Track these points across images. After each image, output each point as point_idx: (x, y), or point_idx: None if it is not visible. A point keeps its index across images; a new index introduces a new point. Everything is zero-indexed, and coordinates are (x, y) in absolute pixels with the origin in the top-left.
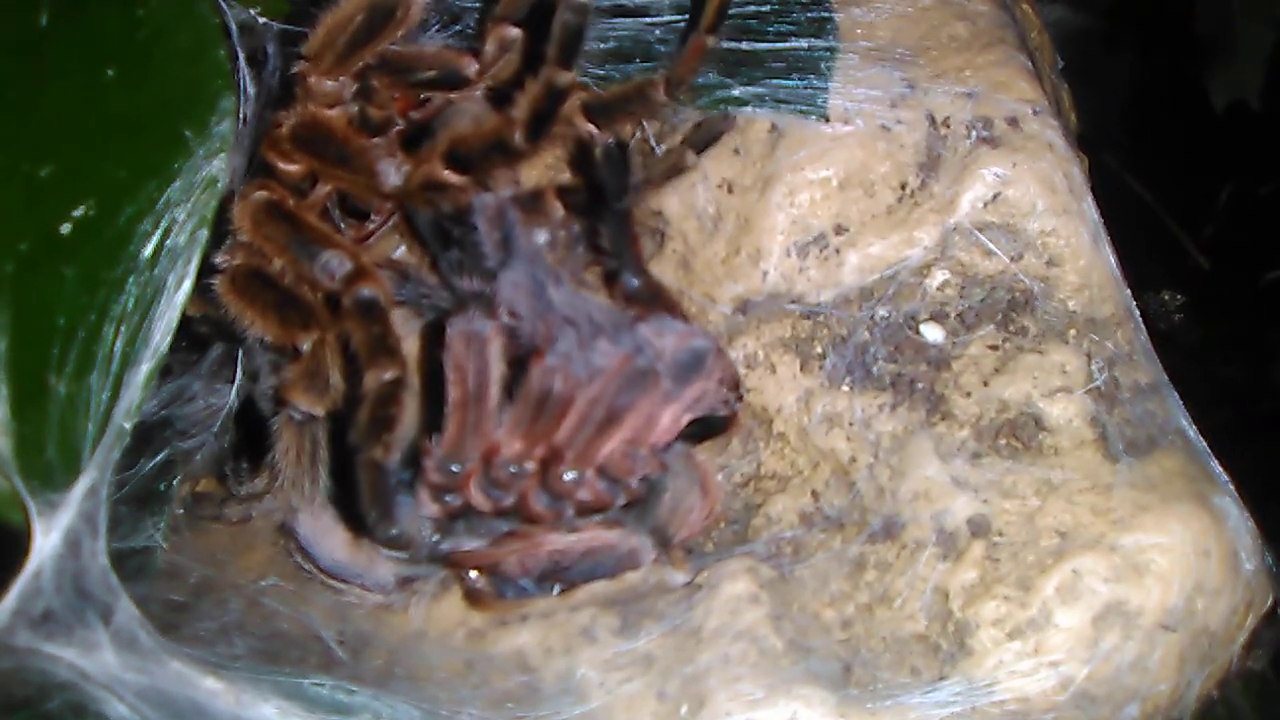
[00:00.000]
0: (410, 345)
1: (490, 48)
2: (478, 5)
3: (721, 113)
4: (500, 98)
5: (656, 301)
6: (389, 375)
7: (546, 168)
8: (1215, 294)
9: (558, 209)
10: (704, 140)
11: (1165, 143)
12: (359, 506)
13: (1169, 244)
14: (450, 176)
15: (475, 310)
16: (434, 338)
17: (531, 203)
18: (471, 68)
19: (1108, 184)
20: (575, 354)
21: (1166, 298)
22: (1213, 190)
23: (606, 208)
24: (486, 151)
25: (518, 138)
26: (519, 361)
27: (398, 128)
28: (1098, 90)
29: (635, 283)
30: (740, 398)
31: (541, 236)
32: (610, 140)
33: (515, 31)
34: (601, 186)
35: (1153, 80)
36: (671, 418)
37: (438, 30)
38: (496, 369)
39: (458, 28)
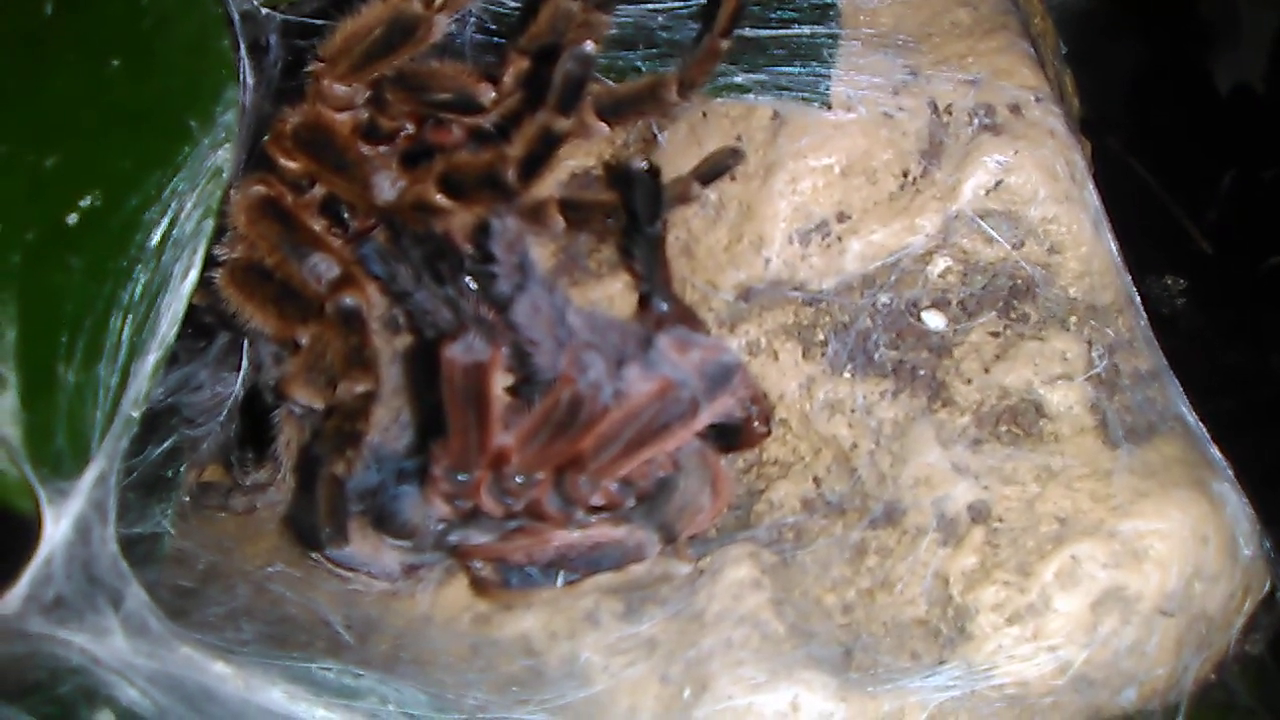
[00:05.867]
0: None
1: (509, 79)
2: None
3: (729, 147)
4: (503, 130)
5: (684, 323)
6: (361, 389)
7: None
8: (1218, 279)
9: (559, 221)
10: (711, 173)
11: (1169, 127)
12: (314, 518)
13: (1172, 228)
14: (441, 201)
15: (473, 336)
16: (424, 358)
17: (533, 214)
18: (488, 95)
19: (1110, 168)
20: (605, 382)
21: (1169, 282)
22: (1216, 174)
23: (639, 231)
24: (479, 182)
25: (510, 175)
26: (531, 380)
27: (402, 140)
28: (1101, 74)
29: (665, 307)
30: (767, 421)
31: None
32: (644, 165)
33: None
34: (634, 210)
35: (1156, 64)
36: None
37: None
38: (497, 394)
39: None
